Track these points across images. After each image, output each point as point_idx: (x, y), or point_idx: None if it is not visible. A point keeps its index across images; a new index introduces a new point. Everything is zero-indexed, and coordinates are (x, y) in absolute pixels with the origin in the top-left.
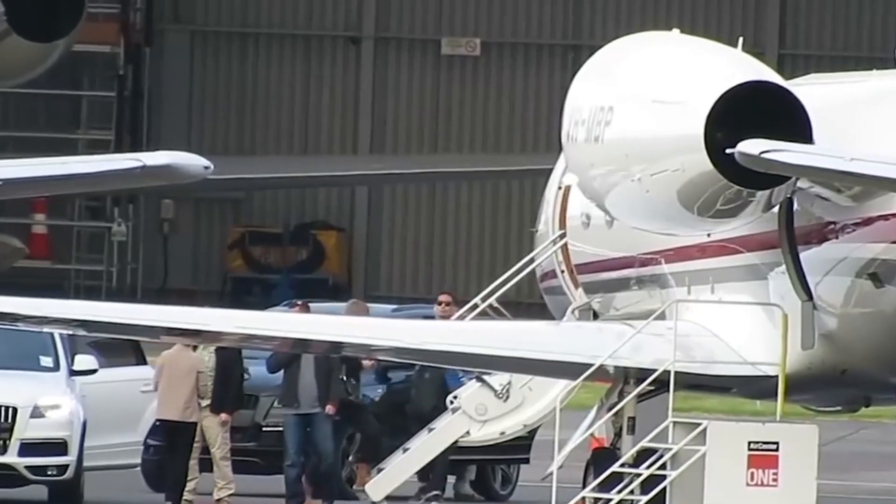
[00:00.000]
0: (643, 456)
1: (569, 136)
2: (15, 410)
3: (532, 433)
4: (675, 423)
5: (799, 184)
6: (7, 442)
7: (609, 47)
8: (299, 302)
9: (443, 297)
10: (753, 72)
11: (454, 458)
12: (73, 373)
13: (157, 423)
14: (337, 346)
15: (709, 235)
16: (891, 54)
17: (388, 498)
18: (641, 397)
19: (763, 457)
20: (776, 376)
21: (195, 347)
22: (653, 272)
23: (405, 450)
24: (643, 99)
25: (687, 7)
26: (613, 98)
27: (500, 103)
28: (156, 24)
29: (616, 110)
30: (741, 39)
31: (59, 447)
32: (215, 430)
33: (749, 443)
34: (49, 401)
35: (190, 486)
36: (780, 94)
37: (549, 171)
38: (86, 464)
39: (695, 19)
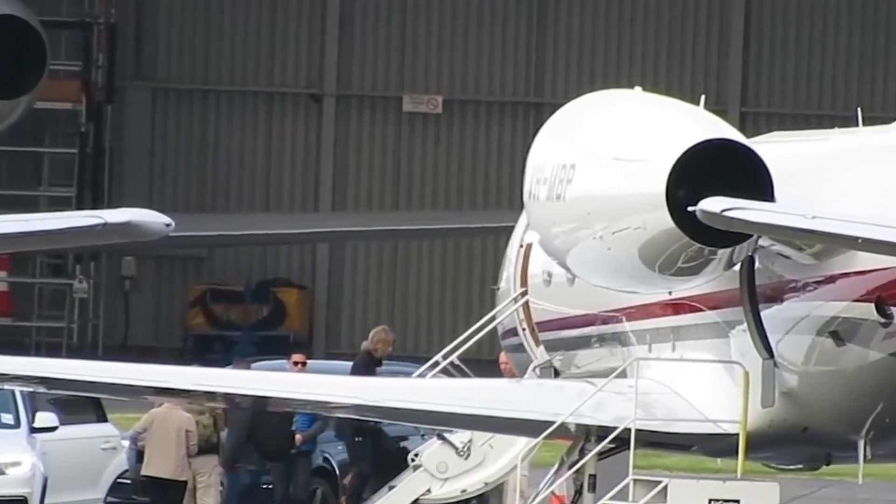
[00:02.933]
0: None
1: (530, 194)
2: None
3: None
4: (635, 480)
5: (760, 242)
6: None
7: (571, 105)
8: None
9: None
10: (715, 130)
11: None
12: (33, 430)
13: (143, 479)
14: (297, 403)
15: (670, 293)
16: (852, 112)
17: None
18: (602, 455)
19: None
20: (737, 434)
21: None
22: (614, 330)
23: None
24: (605, 157)
25: (649, 65)
26: (575, 156)
27: (462, 161)
28: (117, 81)
29: (578, 168)
30: (703, 97)
31: None
32: None
33: (710, 501)
34: (9, 458)
35: None
36: (742, 152)
37: (511, 228)
38: None
39: (657, 77)
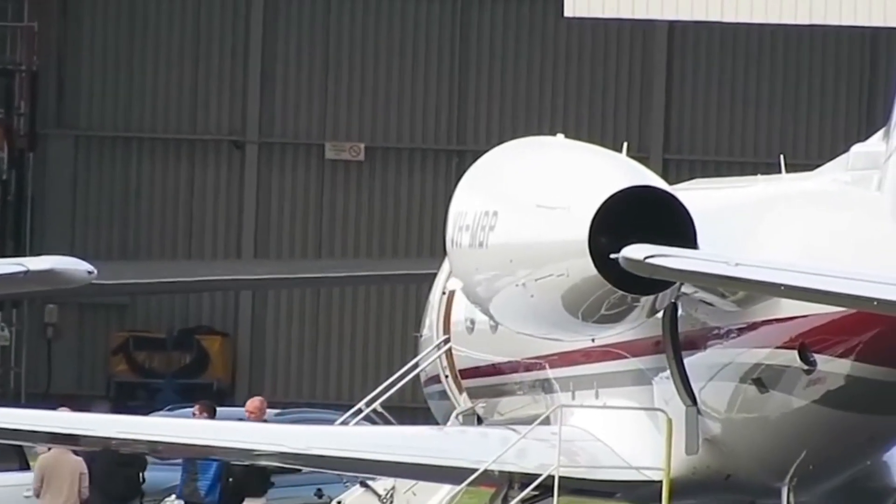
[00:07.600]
0: None
1: (453, 241)
2: None
3: None
4: None
5: (683, 289)
6: None
7: (493, 152)
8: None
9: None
10: (638, 176)
11: None
12: None
13: None
14: (221, 451)
15: (593, 340)
16: (774, 159)
17: None
18: (526, 502)
19: None
20: (660, 481)
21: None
22: (537, 377)
23: None
24: (527, 204)
25: (571, 112)
26: (497, 203)
27: (385, 208)
28: (39, 128)
29: (500, 215)
30: (626, 144)
31: None
32: None
33: None
34: None
35: None
36: (665, 198)
37: (434, 275)
38: None
39: (579, 124)
